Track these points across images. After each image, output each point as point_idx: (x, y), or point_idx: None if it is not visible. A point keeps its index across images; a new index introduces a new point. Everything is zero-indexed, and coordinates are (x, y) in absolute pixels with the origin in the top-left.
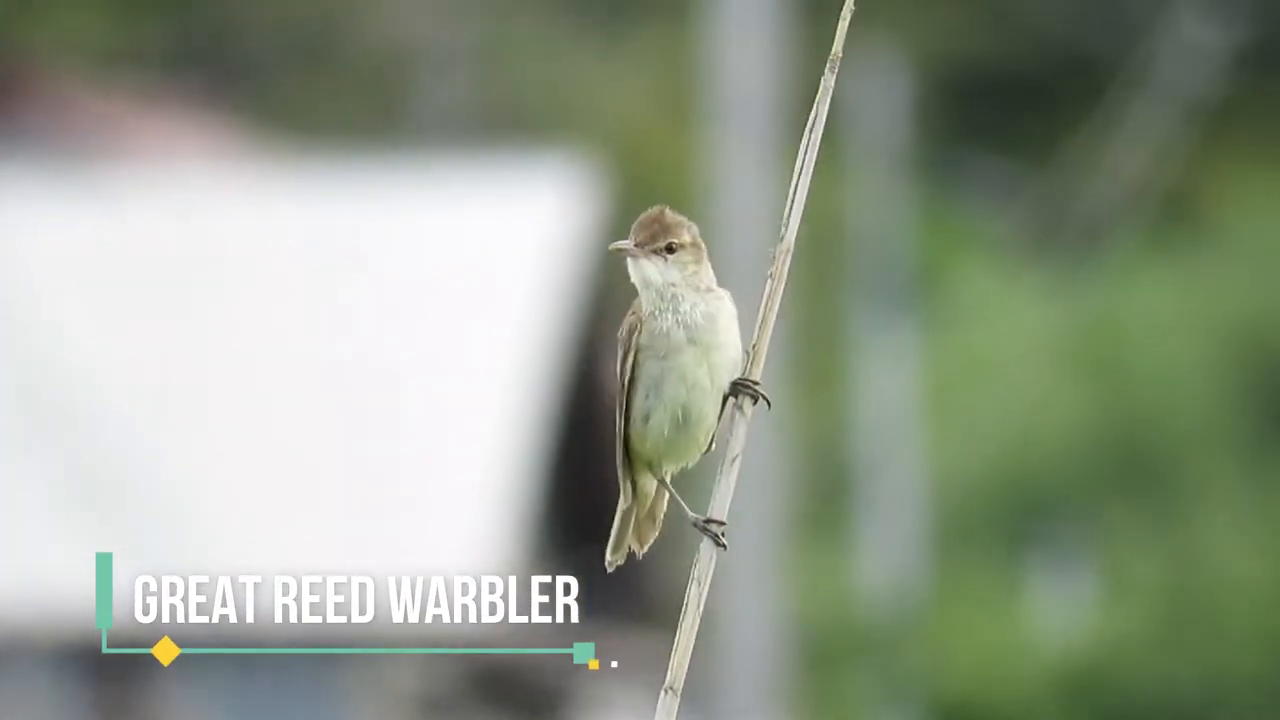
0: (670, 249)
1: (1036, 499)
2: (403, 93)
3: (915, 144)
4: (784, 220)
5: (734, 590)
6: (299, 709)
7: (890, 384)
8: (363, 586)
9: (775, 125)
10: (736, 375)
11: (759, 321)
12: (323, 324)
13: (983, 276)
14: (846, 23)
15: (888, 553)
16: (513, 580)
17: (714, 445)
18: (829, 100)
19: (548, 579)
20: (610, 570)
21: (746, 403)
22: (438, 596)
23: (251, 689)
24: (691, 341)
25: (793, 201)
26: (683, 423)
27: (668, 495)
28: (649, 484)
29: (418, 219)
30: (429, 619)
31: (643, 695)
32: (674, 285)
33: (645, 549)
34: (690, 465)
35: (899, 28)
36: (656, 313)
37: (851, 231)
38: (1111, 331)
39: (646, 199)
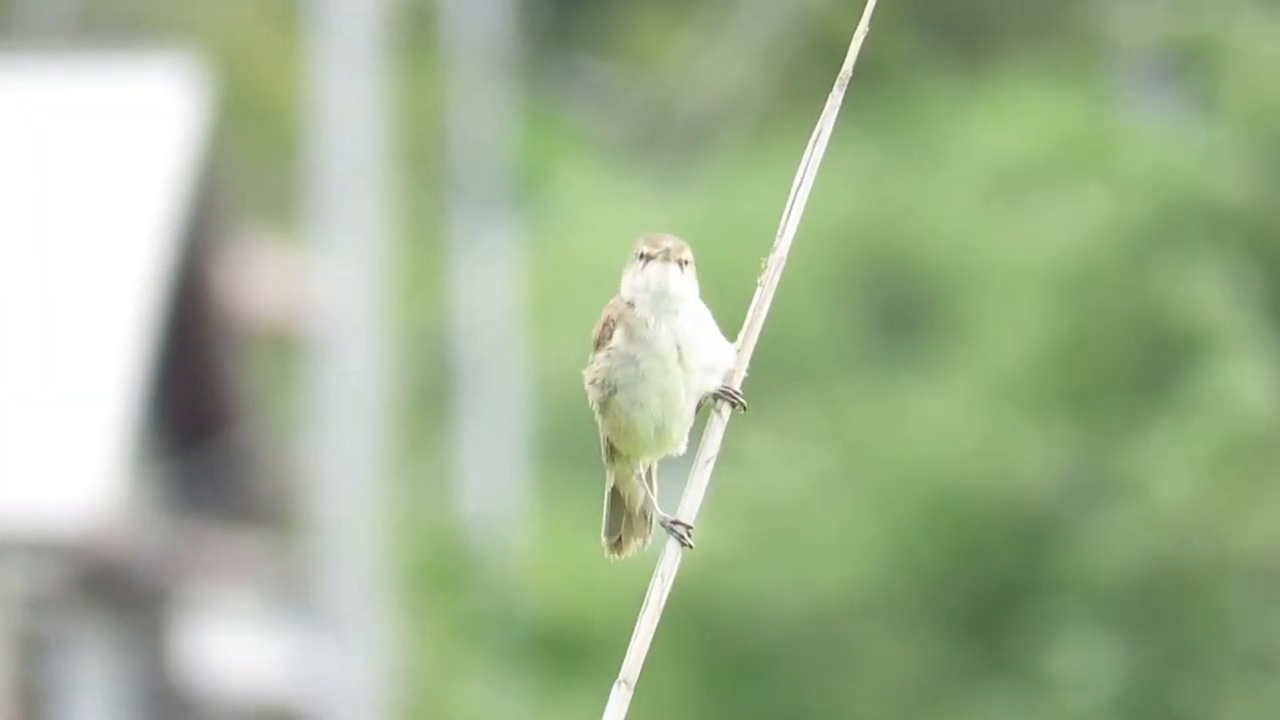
0: (684, 263)
1: None
2: None
3: (517, 45)
4: (779, 230)
5: (338, 495)
6: None
7: (492, 286)
8: None
9: (377, 30)
10: (717, 375)
11: (745, 329)
12: None
13: (585, 179)
14: (859, 44)
15: (489, 457)
16: (119, 480)
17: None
18: (835, 117)
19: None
20: (608, 558)
21: (725, 407)
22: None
23: None
24: (678, 349)
25: (789, 213)
26: (662, 426)
27: (648, 492)
28: (630, 473)
29: (24, 125)
30: (34, 518)
31: (246, 594)
32: (679, 299)
33: (648, 543)
34: (660, 458)
35: None
36: (650, 321)
37: (452, 132)
38: (715, 234)
39: (253, 105)
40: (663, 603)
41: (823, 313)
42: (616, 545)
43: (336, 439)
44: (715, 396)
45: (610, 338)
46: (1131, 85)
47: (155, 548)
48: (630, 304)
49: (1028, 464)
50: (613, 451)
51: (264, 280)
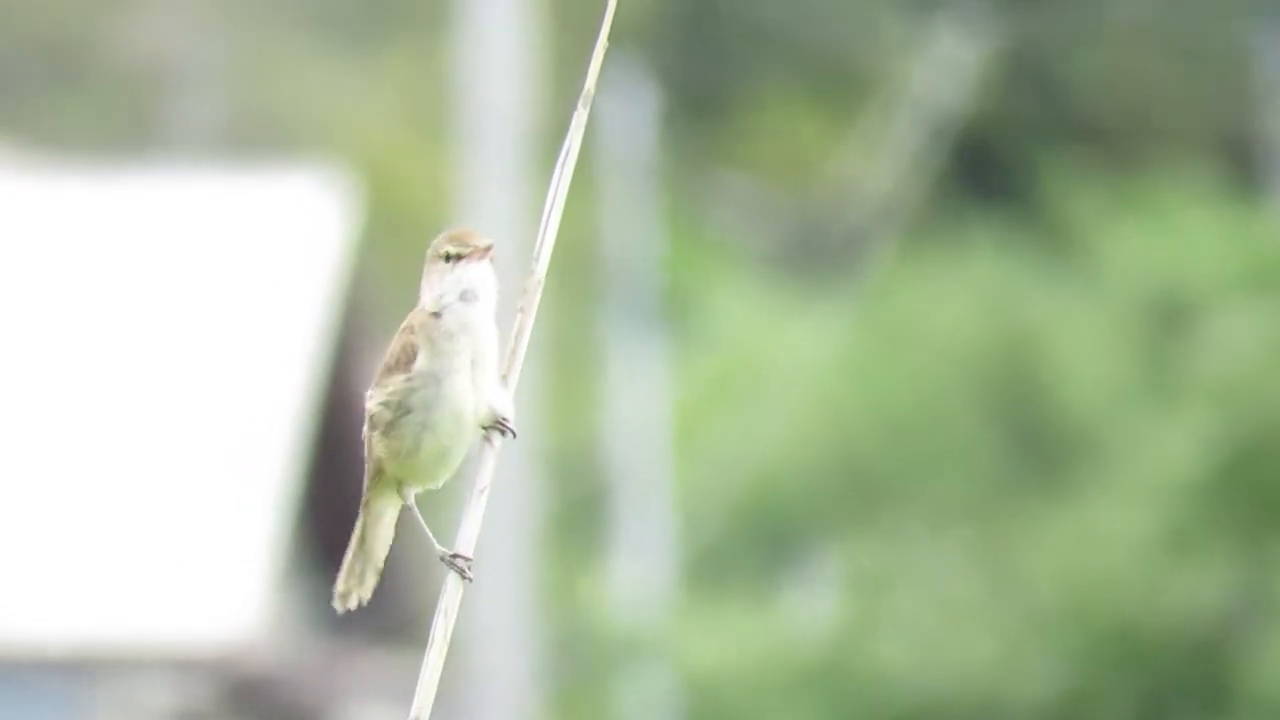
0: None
1: (787, 514)
2: (155, 109)
3: (663, 161)
4: (535, 253)
5: (487, 609)
6: None
7: (643, 401)
8: (115, 601)
9: (525, 143)
10: (494, 405)
11: (509, 353)
12: (75, 339)
13: (735, 293)
14: (600, 60)
15: (638, 569)
16: (267, 596)
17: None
18: (581, 133)
19: (301, 596)
20: (339, 609)
21: (495, 435)
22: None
23: (2, 707)
24: (474, 365)
25: (544, 234)
26: (447, 451)
27: (390, 540)
28: (389, 513)
29: (171, 236)
30: (182, 633)
31: (394, 713)
32: (490, 304)
33: (368, 594)
34: (436, 488)
35: (645, 45)
36: (455, 331)
37: (602, 249)
38: (868, 345)
39: (398, 215)
40: (447, 640)
41: (968, 430)
42: (344, 594)
43: (487, 555)
44: (487, 426)
45: (413, 361)
46: None
47: (303, 665)
48: (436, 314)
49: (1189, 584)
50: (377, 483)
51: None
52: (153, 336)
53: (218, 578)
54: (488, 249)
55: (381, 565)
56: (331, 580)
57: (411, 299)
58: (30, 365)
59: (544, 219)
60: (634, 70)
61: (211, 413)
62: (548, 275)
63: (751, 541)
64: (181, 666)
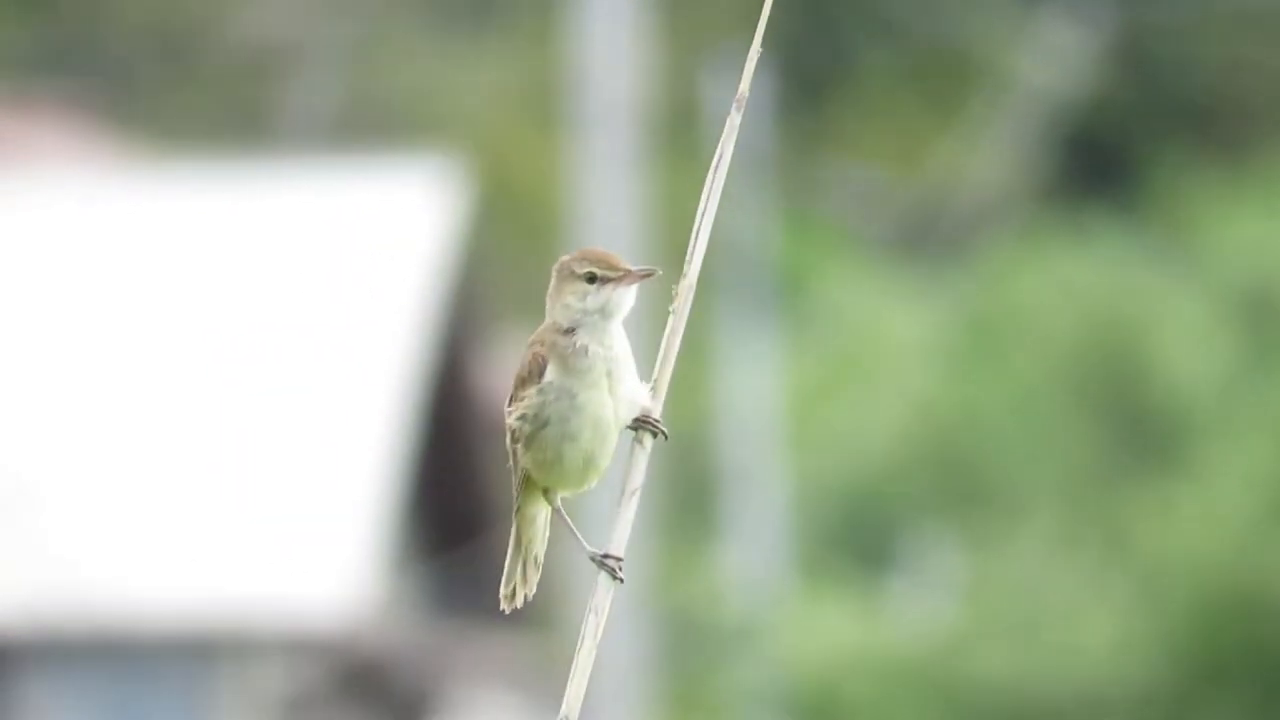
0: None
1: (893, 505)
2: (270, 95)
3: (776, 146)
4: (688, 256)
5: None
6: (168, 710)
7: (757, 388)
8: (231, 585)
9: (638, 128)
10: (635, 409)
11: (660, 357)
12: (192, 326)
13: (849, 280)
14: (754, 65)
15: (753, 555)
16: (379, 579)
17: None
18: (734, 138)
19: (414, 580)
20: (505, 610)
21: (646, 437)
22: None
23: (120, 689)
24: (607, 376)
25: (696, 237)
26: (591, 457)
27: (547, 535)
28: (541, 516)
29: (287, 220)
30: (296, 618)
31: (505, 694)
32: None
33: (534, 589)
34: (583, 492)
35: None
36: (590, 347)
37: (716, 235)
38: (981, 333)
39: (511, 202)
40: (598, 637)
41: (1068, 421)
42: (510, 595)
43: (600, 542)
44: (636, 427)
45: (543, 373)
46: None
47: (414, 647)
48: (568, 330)
49: None
50: (526, 489)
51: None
52: (271, 323)
53: (332, 562)
54: (643, 275)
55: (542, 559)
56: (442, 564)
57: (522, 284)
58: (152, 351)
59: (697, 224)
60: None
61: (326, 399)
62: (653, 262)
63: (860, 531)
64: (296, 650)
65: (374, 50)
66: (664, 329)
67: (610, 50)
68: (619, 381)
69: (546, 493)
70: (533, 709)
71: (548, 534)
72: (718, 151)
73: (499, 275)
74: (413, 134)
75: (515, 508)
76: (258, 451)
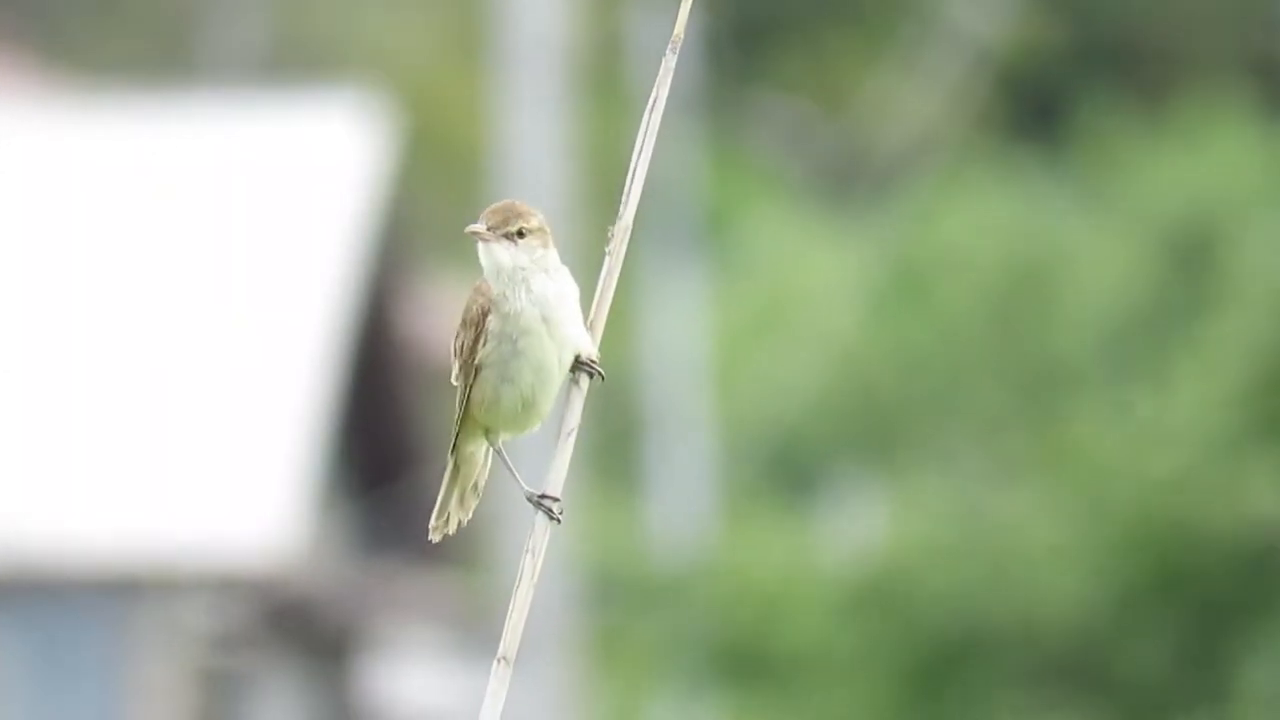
0: (520, 234)
1: (826, 442)
2: (193, 33)
3: (704, 84)
4: (623, 198)
5: (523, 534)
6: (93, 646)
7: (680, 327)
8: (156, 523)
9: (563, 68)
10: (580, 349)
11: (596, 299)
12: (117, 264)
13: (774, 218)
14: (688, 7)
15: (678, 498)
16: (305, 518)
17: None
18: (669, 81)
19: (339, 519)
20: (434, 539)
21: (584, 379)
22: (229, 534)
23: (45, 626)
24: (544, 320)
25: (631, 180)
26: (531, 401)
27: (490, 463)
28: (480, 453)
29: (208, 157)
30: (221, 556)
31: (431, 632)
32: (523, 269)
33: (469, 517)
34: (523, 435)
35: None
36: (508, 295)
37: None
38: (907, 272)
39: (436, 137)
40: (535, 578)
41: (983, 362)
42: (441, 525)
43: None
44: (574, 369)
45: (484, 318)
46: None
47: (340, 586)
48: (500, 292)
49: (1252, 484)
50: (465, 425)
51: (448, 317)
52: (191, 262)
53: (256, 501)
54: (471, 231)
55: (480, 488)
56: (368, 504)
57: (447, 222)
58: (76, 290)
59: (632, 166)
60: None
61: (249, 338)
62: (577, 199)
63: (787, 470)
64: (221, 588)
65: None
66: (599, 270)
67: None
68: (558, 325)
69: (488, 432)
70: (461, 647)
71: (488, 466)
72: (653, 93)
73: (424, 214)
74: (337, 71)
75: (452, 444)
76: (183, 390)
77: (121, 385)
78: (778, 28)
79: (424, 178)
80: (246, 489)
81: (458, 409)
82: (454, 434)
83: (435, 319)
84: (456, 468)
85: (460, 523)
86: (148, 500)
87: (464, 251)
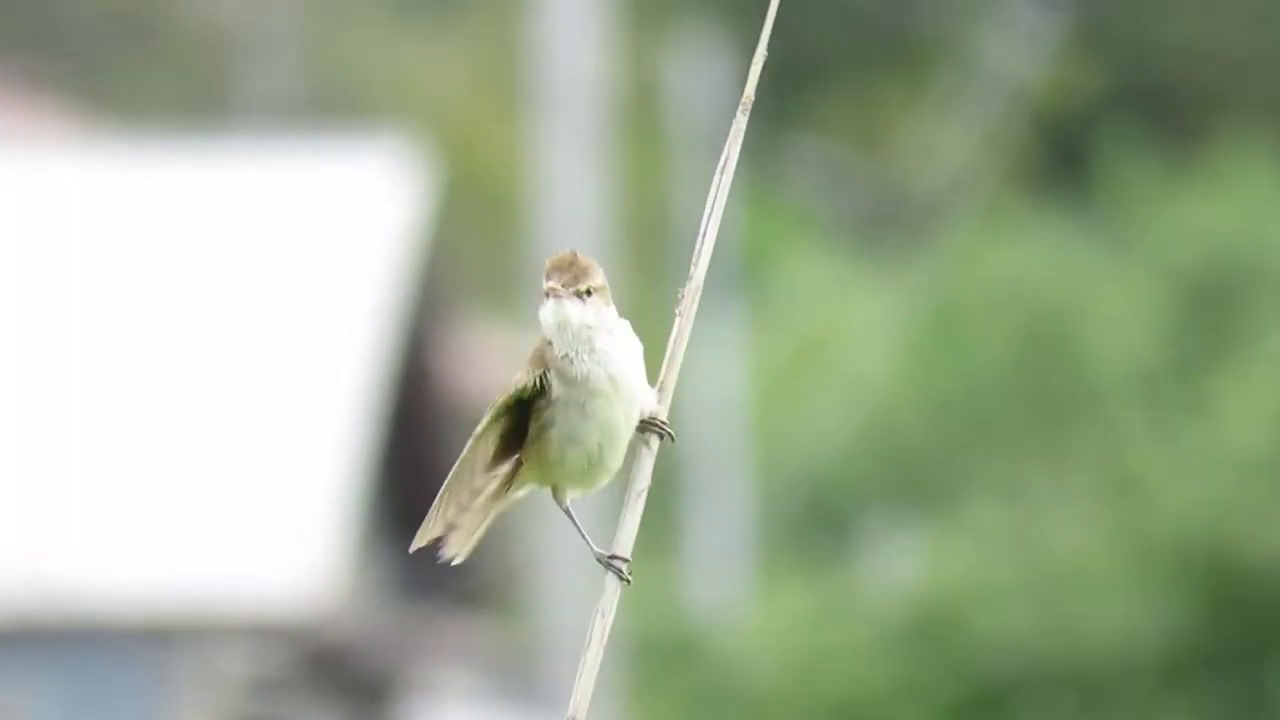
0: (589, 292)
1: (861, 487)
2: (228, 75)
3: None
4: (694, 259)
5: (561, 580)
6: (130, 692)
7: (719, 370)
8: (195, 568)
9: (601, 112)
10: (645, 408)
11: (667, 359)
12: (154, 308)
13: (811, 262)
14: (759, 68)
15: (717, 541)
16: (343, 563)
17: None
18: (740, 142)
19: (378, 565)
20: (454, 563)
21: (653, 439)
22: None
23: (85, 675)
24: (611, 380)
25: (702, 241)
26: (598, 459)
27: (504, 513)
28: (519, 496)
29: (246, 202)
30: (260, 601)
31: (470, 677)
32: (590, 327)
33: (460, 557)
34: (592, 492)
35: (722, 10)
36: (572, 356)
37: (676, 215)
38: (947, 314)
39: (473, 183)
40: (604, 640)
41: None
42: (434, 543)
43: (563, 522)
44: (643, 428)
45: (544, 382)
46: None
47: (379, 631)
48: (549, 342)
49: None
50: (526, 476)
51: (487, 363)
52: (231, 307)
53: (294, 546)
54: (558, 288)
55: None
56: (406, 550)
57: (485, 266)
58: (114, 334)
59: (703, 227)
60: (710, 35)
61: (288, 383)
62: (616, 244)
63: (823, 515)
64: (259, 634)
65: (338, 31)
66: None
67: (571, 29)
68: (624, 381)
69: (555, 490)
70: (498, 693)
71: (578, 527)
72: (724, 154)
73: (462, 257)
74: (374, 113)
75: (503, 481)
76: (221, 435)
77: (160, 430)
78: (815, 71)
79: (461, 222)
80: (284, 534)
81: (525, 455)
82: (499, 481)
83: (473, 363)
84: (492, 500)
85: (450, 556)
86: (185, 545)
87: (502, 295)
